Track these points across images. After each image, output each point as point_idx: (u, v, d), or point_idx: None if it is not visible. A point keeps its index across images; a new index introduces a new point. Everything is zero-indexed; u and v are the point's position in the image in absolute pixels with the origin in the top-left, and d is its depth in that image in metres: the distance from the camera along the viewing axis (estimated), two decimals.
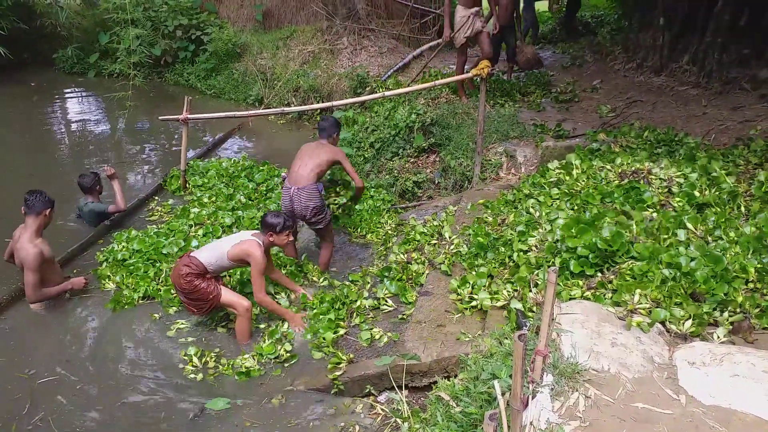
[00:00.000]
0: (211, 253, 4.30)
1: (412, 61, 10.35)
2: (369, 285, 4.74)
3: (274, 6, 12.45)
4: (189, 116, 6.58)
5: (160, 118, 7.00)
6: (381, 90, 8.42)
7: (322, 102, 8.94)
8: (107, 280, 5.01)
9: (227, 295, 4.32)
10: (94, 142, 8.86)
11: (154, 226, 5.89)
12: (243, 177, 6.92)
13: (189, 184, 6.86)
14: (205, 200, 6.41)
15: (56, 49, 12.63)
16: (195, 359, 4.09)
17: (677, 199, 4.25)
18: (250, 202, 6.41)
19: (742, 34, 7.41)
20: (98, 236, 5.83)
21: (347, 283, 4.85)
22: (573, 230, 3.81)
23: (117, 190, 5.96)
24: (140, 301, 4.78)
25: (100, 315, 4.64)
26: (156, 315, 4.61)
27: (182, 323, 4.51)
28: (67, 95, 11.40)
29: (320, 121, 5.29)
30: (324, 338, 4.04)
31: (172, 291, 4.68)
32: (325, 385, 3.71)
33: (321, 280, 5.07)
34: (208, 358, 4.13)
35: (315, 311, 4.40)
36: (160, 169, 7.67)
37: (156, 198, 6.78)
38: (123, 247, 5.39)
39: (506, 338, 3.08)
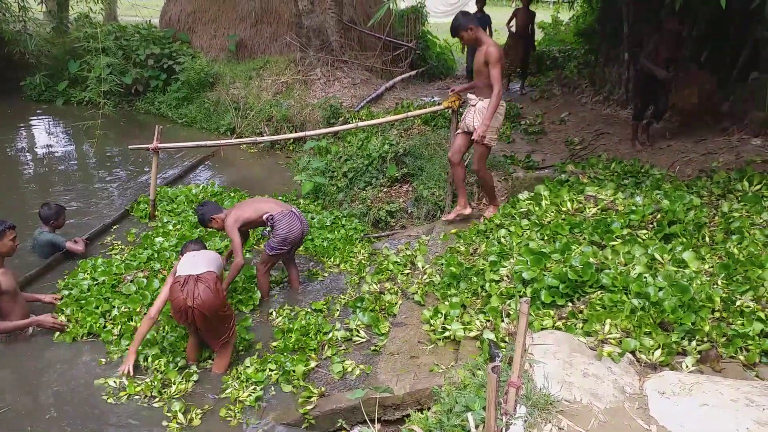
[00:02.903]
0: (216, 264, 4.20)
1: (385, 93, 10.48)
2: (338, 313, 4.68)
3: (247, 37, 12.52)
4: (160, 145, 6.49)
5: (130, 147, 6.91)
6: (354, 120, 8.48)
7: (295, 132, 8.96)
8: (60, 313, 4.73)
9: None
10: (61, 171, 8.67)
11: (118, 256, 5.73)
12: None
13: (158, 212, 6.74)
14: (170, 228, 6.23)
15: (24, 77, 12.44)
16: (180, 416, 3.70)
17: (643, 231, 4.32)
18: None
19: (703, 69, 7.67)
20: (49, 267, 5.59)
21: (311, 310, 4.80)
22: (529, 262, 3.91)
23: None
24: (84, 338, 4.50)
25: (58, 350, 4.41)
26: (114, 356, 4.30)
27: (114, 379, 4.01)
28: (33, 123, 11.18)
29: None
30: (294, 371, 3.96)
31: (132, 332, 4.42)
32: (296, 419, 3.62)
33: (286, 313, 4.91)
34: (193, 414, 3.71)
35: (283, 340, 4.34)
36: (128, 199, 7.51)
37: (113, 232, 6.46)
38: (89, 276, 5.19)
39: (479, 369, 3.06)
